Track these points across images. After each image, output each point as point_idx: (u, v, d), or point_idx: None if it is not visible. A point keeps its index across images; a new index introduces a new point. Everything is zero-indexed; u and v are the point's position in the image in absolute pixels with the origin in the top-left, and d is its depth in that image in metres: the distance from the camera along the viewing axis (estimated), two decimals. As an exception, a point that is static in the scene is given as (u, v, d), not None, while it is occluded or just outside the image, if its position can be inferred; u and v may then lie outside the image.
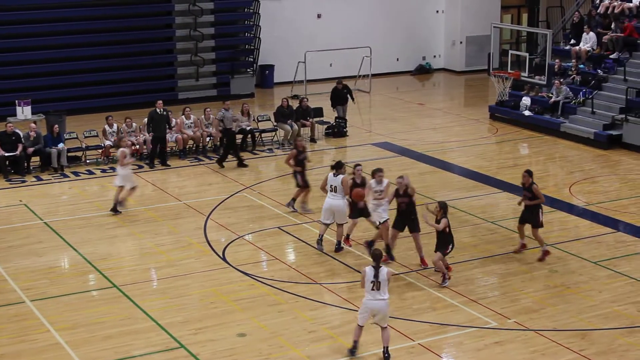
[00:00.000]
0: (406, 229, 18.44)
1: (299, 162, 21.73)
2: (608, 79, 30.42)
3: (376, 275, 14.34)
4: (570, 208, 22.62)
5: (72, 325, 15.83)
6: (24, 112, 27.61)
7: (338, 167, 19.38)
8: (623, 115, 28.54)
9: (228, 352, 14.90)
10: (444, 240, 17.43)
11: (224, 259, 19.04)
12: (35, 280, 17.94)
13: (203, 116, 27.72)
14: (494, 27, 33.78)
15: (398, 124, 31.67)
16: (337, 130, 29.70)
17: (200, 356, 14.75)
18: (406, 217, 18.31)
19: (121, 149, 22.19)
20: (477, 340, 15.37)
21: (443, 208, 17.39)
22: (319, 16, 39.44)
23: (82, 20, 34.03)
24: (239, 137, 27.77)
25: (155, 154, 26.38)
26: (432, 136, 29.89)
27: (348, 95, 30.40)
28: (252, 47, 37.07)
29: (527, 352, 14.92)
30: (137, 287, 17.62)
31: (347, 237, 19.67)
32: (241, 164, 26.16)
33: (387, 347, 14.60)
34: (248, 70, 36.91)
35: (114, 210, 21.93)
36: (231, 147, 26.37)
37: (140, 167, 26.15)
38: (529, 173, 18.99)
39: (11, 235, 20.58)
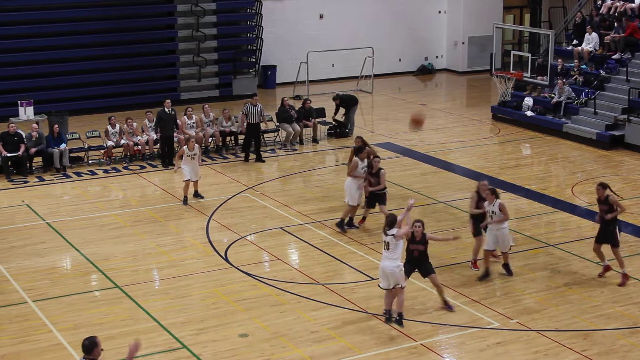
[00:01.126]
0: None
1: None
2: (610, 79, 30.41)
3: (386, 238, 15.28)
4: (572, 208, 22.61)
5: (74, 326, 15.85)
6: (26, 112, 27.61)
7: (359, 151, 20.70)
8: (625, 116, 28.53)
9: (230, 353, 14.91)
10: None
11: (226, 259, 19.04)
12: (38, 281, 17.95)
13: (203, 114, 27.66)
14: (496, 27, 33.76)
15: (400, 124, 31.64)
16: (339, 131, 29.70)
17: (202, 356, 14.76)
18: (419, 264, 16.40)
19: (183, 147, 23.02)
20: (479, 340, 15.37)
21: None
22: (321, 17, 39.42)
23: (84, 21, 34.06)
24: (240, 137, 27.92)
25: (166, 154, 26.40)
26: (434, 136, 29.87)
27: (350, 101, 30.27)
28: (254, 48, 37.09)
29: (529, 353, 14.92)
30: (139, 287, 17.63)
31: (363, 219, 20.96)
32: (259, 158, 26.68)
33: (401, 314, 15.61)
34: (250, 70, 36.93)
35: (185, 202, 22.71)
36: (254, 140, 26.73)
37: (143, 167, 26.16)
38: (603, 186, 17.52)
39: (13, 236, 20.60)
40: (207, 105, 28.33)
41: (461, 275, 18.09)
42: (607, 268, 17.99)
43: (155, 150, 26.89)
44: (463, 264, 18.66)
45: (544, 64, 31.57)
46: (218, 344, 15.20)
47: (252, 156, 26.68)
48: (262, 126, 27.56)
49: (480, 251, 18.11)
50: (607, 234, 17.64)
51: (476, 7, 41.33)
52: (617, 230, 17.67)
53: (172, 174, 25.11)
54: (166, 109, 26.28)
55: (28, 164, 25.56)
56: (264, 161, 26.62)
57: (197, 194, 23.04)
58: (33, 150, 25.49)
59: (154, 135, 26.96)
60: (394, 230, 15.30)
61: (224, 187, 24.26)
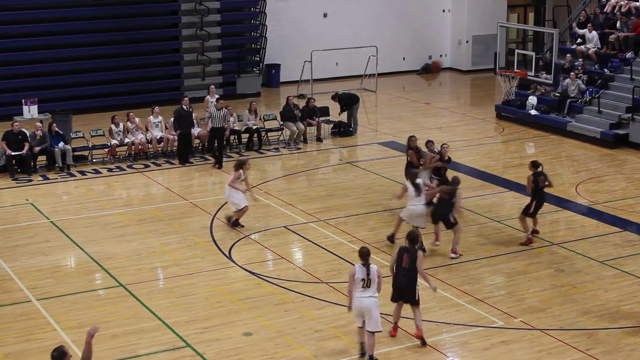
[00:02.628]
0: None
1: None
2: (614, 78, 30.39)
3: (368, 273, 14.13)
4: (576, 207, 22.60)
5: (78, 324, 15.85)
6: (30, 111, 27.64)
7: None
8: (629, 115, 28.51)
9: (234, 352, 14.91)
10: None
11: (230, 258, 19.05)
12: (42, 279, 17.97)
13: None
14: (500, 26, 33.76)
15: (404, 123, 31.65)
16: (343, 130, 29.71)
17: (206, 355, 14.77)
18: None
19: (238, 171, 20.72)
20: (483, 339, 15.36)
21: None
22: (325, 15, 39.43)
23: (88, 20, 34.06)
24: (244, 136, 27.91)
25: (183, 151, 26.57)
26: (438, 135, 29.82)
27: (350, 100, 30.23)
28: (258, 47, 37.09)
29: (533, 352, 14.91)
30: (143, 286, 17.64)
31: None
32: (219, 164, 25.94)
33: (372, 356, 14.29)
34: (254, 69, 36.92)
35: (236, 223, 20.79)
36: (217, 144, 26.32)
37: (147, 166, 26.18)
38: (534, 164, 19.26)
39: (18, 234, 20.62)
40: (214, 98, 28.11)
41: (465, 274, 18.09)
42: (530, 239, 19.64)
43: (150, 148, 26.89)
44: (467, 263, 18.65)
45: (549, 62, 31.57)
46: (222, 343, 15.21)
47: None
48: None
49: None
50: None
51: (480, 6, 41.32)
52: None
53: (177, 173, 25.13)
54: (184, 107, 26.40)
55: (32, 163, 25.57)
56: (221, 167, 25.81)
57: (237, 223, 20.87)
58: (37, 149, 25.50)
59: (157, 134, 27.00)
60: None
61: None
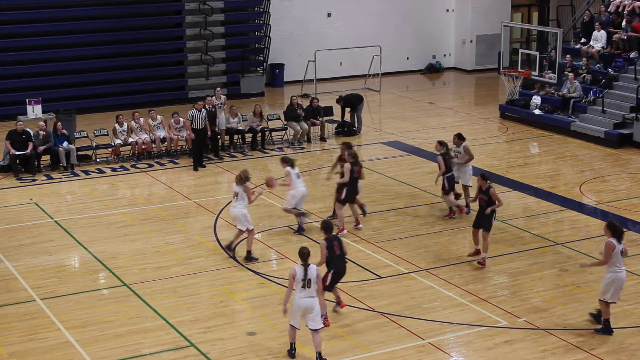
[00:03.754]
0: None
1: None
2: (618, 77, 30.36)
3: (305, 274, 14.30)
4: (580, 207, 22.59)
5: (82, 324, 15.87)
6: (34, 110, 27.67)
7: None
8: (633, 114, 28.47)
9: (238, 351, 14.92)
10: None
11: (233, 257, 19.04)
12: (46, 279, 17.99)
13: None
14: (504, 25, 33.73)
15: (408, 122, 31.65)
16: (347, 129, 29.71)
17: (210, 355, 14.77)
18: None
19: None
20: (487, 339, 15.36)
21: None
22: (329, 15, 39.43)
23: (92, 19, 34.09)
24: (248, 135, 27.93)
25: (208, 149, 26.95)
26: (442, 135, 29.77)
27: (354, 100, 30.14)
28: (262, 46, 37.10)
29: (537, 351, 14.91)
30: (147, 285, 17.65)
31: None
32: (200, 164, 26.02)
33: (320, 353, 14.41)
34: (258, 69, 36.94)
35: (250, 258, 18.99)
36: (201, 146, 26.29)
37: (150, 165, 26.19)
38: (483, 177, 18.83)
39: (21, 234, 20.64)
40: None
41: (468, 274, 18.08)
42: (477, 251, 18.82)
43: (154, 148, 26.95)
44: (470, 263, 18.64)
45: (552, 62, 31.54)
46: (226, 342, 15.21)
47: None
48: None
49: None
50: (482, 221, 18.63)
51: (484, 6, 41.30)
52: (493, 218, 18.69)
53: (181, 173, 25.17)
54: (207, 106, 26.47)
55: (36, 162, 25.59)
56: (204, 166, 26.04)
57: (250, 257, 19.03)
58: (41, 148, 25.53)
59: (161, 134, 27.01)
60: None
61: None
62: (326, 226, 15.92)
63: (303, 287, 14.31)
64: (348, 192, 20.26)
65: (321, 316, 14.84)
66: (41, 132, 25.65)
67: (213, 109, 26.78)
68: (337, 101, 30.29)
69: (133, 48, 34.49)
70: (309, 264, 14.40)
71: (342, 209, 20.48)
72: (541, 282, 17.73)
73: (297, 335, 14.66)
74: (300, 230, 20.49)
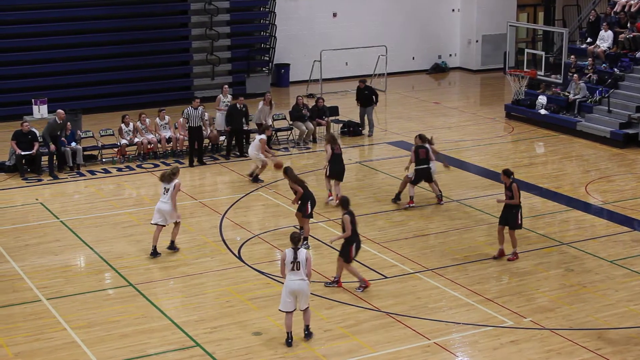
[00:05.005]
0: None
1: None
2: (624, 77, 30.32)
3: (295, 256, 14.85)
4: (586, 207, 22.56)
5: (88, 324, 15.88)
6: (40, 111, 27.70)
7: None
8: (639, 114, 28.43)
9: (244, 351, 14.92)
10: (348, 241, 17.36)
11: (239, 257, 19.06)
12: (51, 279, 18.01)
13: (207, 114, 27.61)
14: (509, 25, 33.71)
15: (413, 122, 31.64)
16: (353, 129, 29.70)
17: (216, 355, 14.78)
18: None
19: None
20: (492, 339, 15.35)
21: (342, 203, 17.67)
22: (334, 15, 39.44)
23: (98, 19, 34.14)
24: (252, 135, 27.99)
25: (231, 146, 27.21)
26: (447, 135, 29.83)
27: (373, 97, 29.89)
28: (267, 46, 37.11)
29: (542, 352, 14.89)
30: (152, 285, 17.67)
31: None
32: (200, 161, 26.40)
33: (308, 326, 15.27)
34: (264, 69, 36.96)
35: (172, 247, 19.60)
36: (197, 144, 26.38)
37: (156, 165, 26.20)
38: (507, 174, 18.75)
39: (27, 234, 20.66)
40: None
41: (474, 274, 18.07)
42: (502, 252, 18.86)
43: (160, 148, 27.04)
44: (476, 262, 18.63)
45: (558, 62, 31.51)
46: (232, 342, 15.22)
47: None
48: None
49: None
50: (508, 217, 18.66)
51: (490, 5, 41.29)
52: (519, 215, 18.70)
53: (186, 173, 25.17)
54: (237, 105, 26.89)
55: (52, 162, 25.57)
56: (205, 164, 26.30)
57: (172, 247, 19.54)
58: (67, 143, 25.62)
59: (166, 134, 27.05)
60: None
61: (237, 186, 24.29)
62: (344, 201, 17.28)
63: (292, 269, 14.92)
64: (332, 169, 22.29)
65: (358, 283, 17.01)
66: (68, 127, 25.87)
67: (244, 108, 27.00)
68: (360, 82, 29.98)
69: (139, 48, 34.54)
70: (299, 248, 14.99)
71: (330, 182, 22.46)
72: (547, 282, 17.72)
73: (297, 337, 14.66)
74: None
